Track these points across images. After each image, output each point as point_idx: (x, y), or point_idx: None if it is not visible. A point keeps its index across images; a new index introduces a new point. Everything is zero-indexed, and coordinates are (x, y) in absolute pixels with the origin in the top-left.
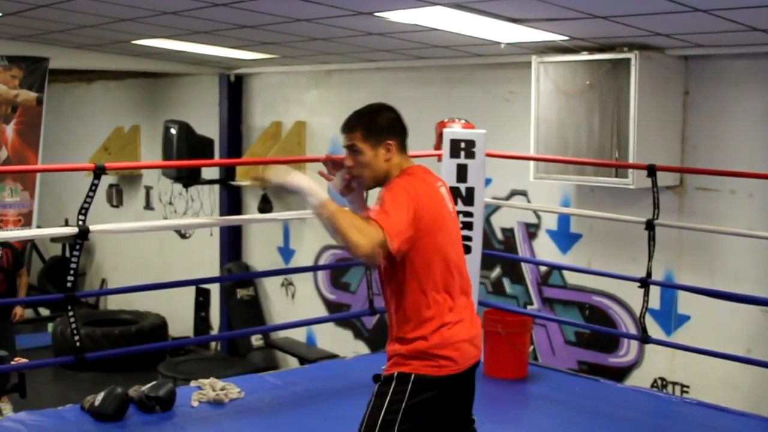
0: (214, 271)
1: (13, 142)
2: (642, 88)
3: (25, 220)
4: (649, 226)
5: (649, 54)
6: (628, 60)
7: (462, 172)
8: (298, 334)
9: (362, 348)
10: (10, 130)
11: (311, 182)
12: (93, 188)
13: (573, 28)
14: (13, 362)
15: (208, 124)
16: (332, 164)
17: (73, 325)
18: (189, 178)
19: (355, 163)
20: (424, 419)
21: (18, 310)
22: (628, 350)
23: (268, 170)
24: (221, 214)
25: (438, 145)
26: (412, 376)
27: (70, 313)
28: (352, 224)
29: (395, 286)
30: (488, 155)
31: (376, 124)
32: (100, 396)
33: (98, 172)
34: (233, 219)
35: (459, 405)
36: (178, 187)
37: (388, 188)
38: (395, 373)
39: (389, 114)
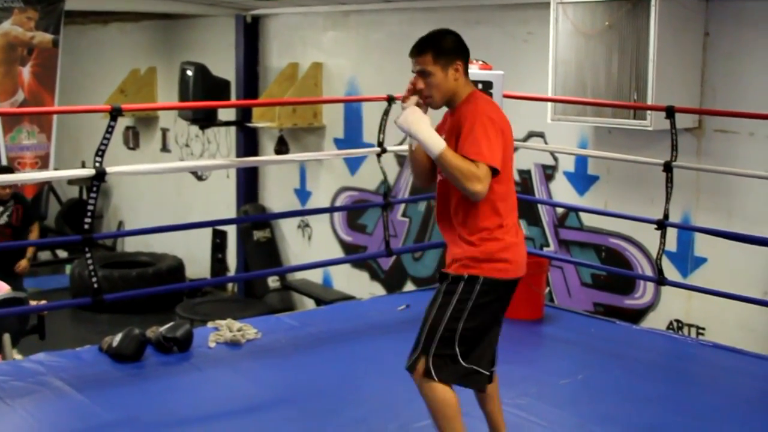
0: (231, 212)
1: (30, 85)
2: (661, 29)
3: (42, 163)
4: (667, 168)
5: None
6: (648, 1)
7: None
8: (315, 276)
9: (378, 289)
10: (26, 72)
11: (430, 130)
12: (109, 130)
13: None
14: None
15: (225, 66)
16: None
17: (91, 267)
18: (205, 119)
19: (426, 85)
20: (485, 319)
21: (22, 263)
22: (644, 292)
23: (404, 115)
24: (237, 156)
25: None
26: (481, 278)
27: (88, 255)
28: (468, 171)
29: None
30: (506, 96)
31: (445, 47)
32: (118, 337)
33: (114, 113)
34: (250, 160)
35: (506, 307)
36: (195, 129)
37: (475, 117)
38: (465, 275)
39: (455, 37)
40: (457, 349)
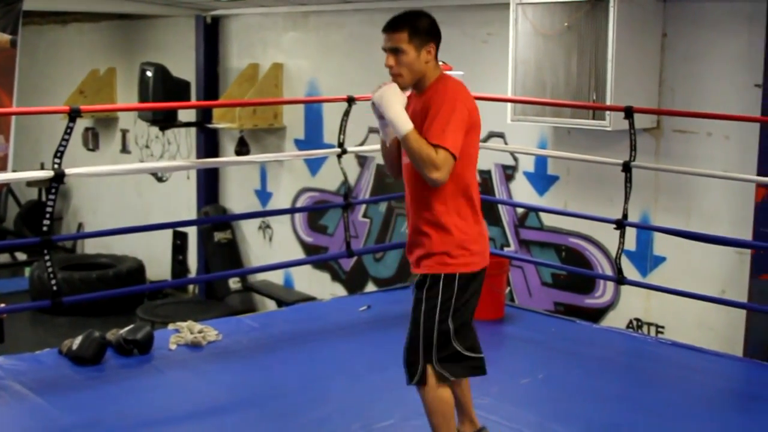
0: (192, 214)
1: None
2: (620, 30)
3: (0, 164)
4: (626, 167)
5: None
6: (607, 1)
7: None
8: (276, 277)
9: (339, 290)
10: None
11: (401, 110)
12: (68, 131)
13: None
14: None
15: (185, 67)
16: None
17: (50, 270)
18: (165, 120)
19: (397, 63)
20: (468, 309)
21: None
22: (604, 291)
23: (381, 89)
24: (198, 157)
25: None
26: (457, 275)
27: (47, 258)
28: (428, 157)
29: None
30: None
31: (421, 27)
32: (78, 340)
33: (73, 114)
34: (210, 161)
35: (480, 291)
36: (155, 130)
37: (443, 100)
38: (441, 275)
39: (430, 19)
40: (456, 345)
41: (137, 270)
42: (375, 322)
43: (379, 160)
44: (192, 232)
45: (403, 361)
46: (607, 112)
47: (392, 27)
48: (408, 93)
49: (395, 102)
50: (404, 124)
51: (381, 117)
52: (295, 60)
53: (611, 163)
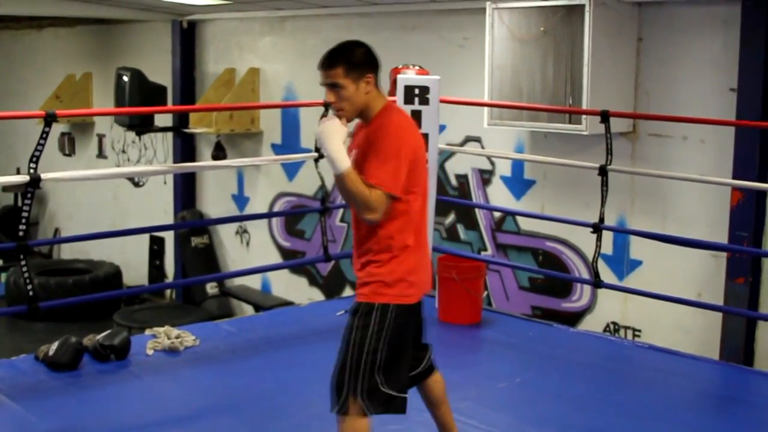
0: (168, 219)
1: None
2: (596, 34)
3: None
4: (602, 171)
5: (603, 0)
6: (582, 6)
7: (416, 119)
8: (253, 282)
9: (317, 295)
10: None
11: (340, 147)
12: (44, 136)
13: None
14: None
15: (161, 72)
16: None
17: (26, 275)
18: (142, 125)
19: (338, 99)
20: (401, 343)
21: None
22: (581, 295)
23: (323, 123)
24: (175, 162)
25: (392, 92)
26: (392, 306)
27: (23, 263)
28: (362, 198)
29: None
30: (442, 101)
31: (356, 60)
32: (55, 345)
33: (49, 119)
34: (187, 166)
35: (416, 328)
36: (131, 135)
37: (386, 136)
38: (376, 305)
39: (365, 49)
40: (378, 378)
41: (114, 275)
42: None
43: None
44: (169, 237)
45: (330, 387)
46: (584, 116)
47: (327, 64)
48: (354, 124)
49: (335, 136)
50: (341, 162)
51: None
52: (272, 64)
53: (588, 167)
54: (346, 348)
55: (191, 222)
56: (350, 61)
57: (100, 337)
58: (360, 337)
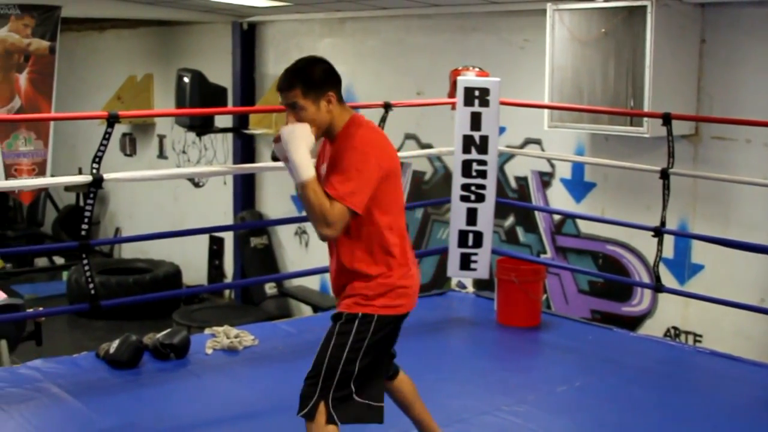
0: (228, 219)
1: (27, 91)
2: (658, 36)
3: (39, 169)
4: (664, 175)
5: (666, 1)
6: (644, 7)
7: (476, 121)
8: (312, 283)
9: None
10: (23, 79)
11: (306, 155)
12: (106, 136)
13: None
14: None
15: (222, 73)
16: None
17: (88, 274)
18: (202, 126)
19: (299, 119)
20: (378, 354)
21: None
22: (642, 299)
23: (290, 126)
24: (234, 163)
25: (452, 93)
26: (375, 317)
27: (85, 262)
28: (320, 211)
29: (356, 226)
30: (502, 103)
31: (315, 79)
32: (115, 343)
33: (111, 120)
34: (246, 167)
35: (396, 338)
36: (192, 135)
37: (352, 150)
38: (359, 314)
39: (324, 65)
40: (352, 387)
41: (174, 275)
42: (409, 328)
43: (416, 166)
44: (228, 237)
45: (301, 390)
46: (645, 119)
47: (284, 84)
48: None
49: (302, 143)
50: (305, 170)
51: (285, 159)
52: None
53: (649, 170)
54: (323, 354)
55: (250, 223)
56: (308, 80)
57: (160, 335)
58: (339, 344)
